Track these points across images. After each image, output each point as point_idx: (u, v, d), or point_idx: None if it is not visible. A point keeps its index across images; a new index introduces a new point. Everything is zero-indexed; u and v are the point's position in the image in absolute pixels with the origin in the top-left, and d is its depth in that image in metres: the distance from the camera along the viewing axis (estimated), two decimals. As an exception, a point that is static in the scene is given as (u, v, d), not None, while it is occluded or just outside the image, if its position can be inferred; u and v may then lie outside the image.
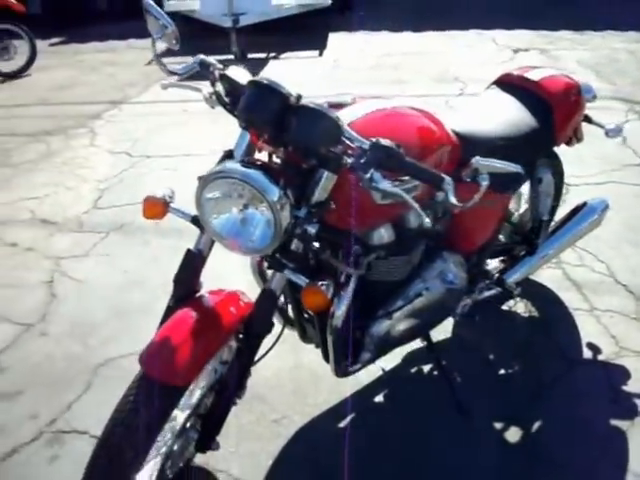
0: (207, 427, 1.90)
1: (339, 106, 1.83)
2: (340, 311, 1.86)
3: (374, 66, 6.99)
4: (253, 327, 1.78)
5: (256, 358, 1.85)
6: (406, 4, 10.17)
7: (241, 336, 1.80)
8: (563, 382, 2.48)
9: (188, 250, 1.84)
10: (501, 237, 2.66)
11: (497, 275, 2.53)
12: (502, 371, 2.56)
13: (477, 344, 2.69)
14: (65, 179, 4.59)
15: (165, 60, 2.05)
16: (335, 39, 8.42)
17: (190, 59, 1.98)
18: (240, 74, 1.79)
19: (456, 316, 2.43)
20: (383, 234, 1.77)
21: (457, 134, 2.09)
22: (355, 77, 6.56)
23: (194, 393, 1.84)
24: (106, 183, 4.47)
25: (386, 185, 1.50)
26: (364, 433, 2.29)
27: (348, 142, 1.57)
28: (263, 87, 1.57)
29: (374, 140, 1.51)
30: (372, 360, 2.13)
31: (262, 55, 7.66)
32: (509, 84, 2.47)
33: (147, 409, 1.61)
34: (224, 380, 1.86)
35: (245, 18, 7.47)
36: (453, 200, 1.50)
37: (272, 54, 7.72)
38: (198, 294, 1.83)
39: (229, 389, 1.86)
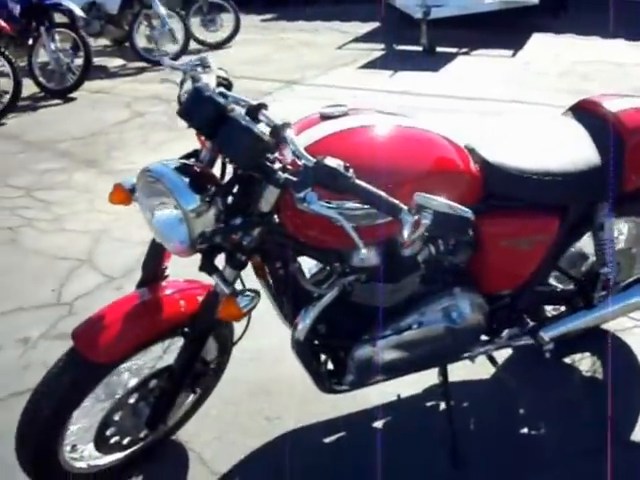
0: (156, 408, 1.94)
1: (329, 117, 1.76)
2: (303, 324, 1.81)
3: (564, 72, 6.46)
4: (194, 324, 1.79)
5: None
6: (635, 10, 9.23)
7: (186, 329, 1.81)
8: (599, 462, 2.09)
9: (153, 239, 1.85)
10: (556, 283, 2.35)
11: (531, 325, 2.21)
12: (525, 430, 2.26)
13: (513, 393, 2.41)
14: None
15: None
16: (537, 40, 7.89)
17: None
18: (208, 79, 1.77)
19: (473, 360, 2.19)
20: (365, 257, 1.67)
21: (486, 162, 1.89)
22: (539, 82, 6.12)
23: (139, 373, 1.90)
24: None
25: (319, 207, 1.44)
26: (344, 457, 2.17)
27: (295, 158, 1.51)
28: (201, 94, 1.56)
29: (319, 158, 1.43)
30: (358, 384, 2.01)
31: (452, 50, 7.42)
32: (584, 111, 2.14)
33: (70, 381, 1.72)
34: (173, 368, 1.89)
35: (438, 10, 7.27)
36: (404, 234, 1.39)
37: (463, 50, 7.45)
38: (159, 282, 1.86)
39: (176, 377, 1.89)
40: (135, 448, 2.05)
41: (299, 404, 2.38)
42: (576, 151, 2.01)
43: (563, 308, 2.38)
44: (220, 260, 1.73)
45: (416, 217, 1.38)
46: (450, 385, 2.20)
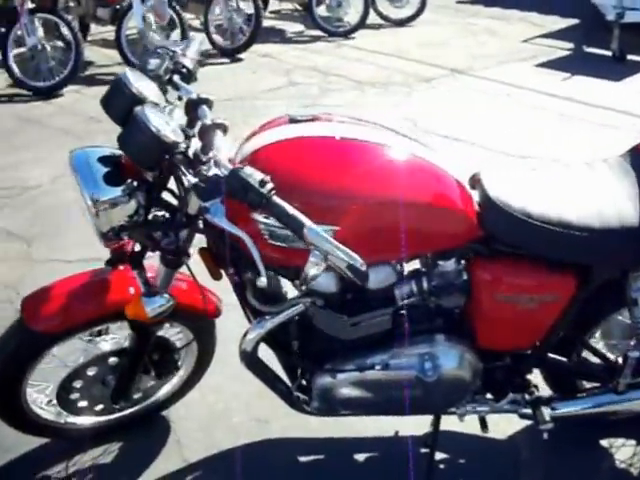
0: (117, 384, 1.98)
1: (296, 121, 1.64)
2: (251, 337, 1.73)
3: None
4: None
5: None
6: None
7: None
8: None
9: None
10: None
11: (536, 395, 1.91)
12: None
13: (525, 465, 2.11)
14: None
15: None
16: None
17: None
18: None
19: (461, 418, 1.93)
20: (263, 284, 1.53)
21: (487, 198, 1.67)
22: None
23: (99, 347, 1.96)
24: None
25: (220, 220, 1.36)
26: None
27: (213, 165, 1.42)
28: (119, 83, 1.49)
29: (236, 168, 1.33)
30: (323, 411, 1.89)
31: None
32: (640, 156, 1.78)
33: (15, 345, 1.81)
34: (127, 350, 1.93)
35: (634, 14, 6.46)
36: (307, 265, 1.32)
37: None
38: (125, 264, 1.83)
39: (130, 359, 1.92)
40: (118, 416, 2.13)
41: (291, 416, 2.23)
42: (614, 203, 1.69)
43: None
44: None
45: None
46: (444, 435, 2.01)
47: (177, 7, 6.07)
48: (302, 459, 2.15)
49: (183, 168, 1.45)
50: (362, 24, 7.43)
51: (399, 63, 6.43)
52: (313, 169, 1.55)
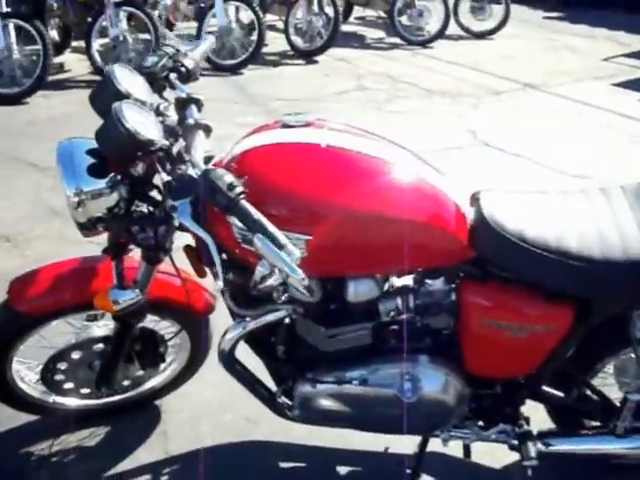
0: (100, 370, 2.00)
1: (289, 126, 1.64)
2: (229, 337, 1.72)
3: None
4: None
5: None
6: None
7: None
8: None
9: None
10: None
11: (525, 429, 1.80)
12: None
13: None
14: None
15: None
16: None
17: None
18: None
19: (444, 443, 1.85)
20: (219, 288, 1.57)
21: (481, 217, 1.61)
22: None
23: (88, 332, 2.01)
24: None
25: (185, 220, 1.41)
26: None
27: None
28: (107, 78, 1.52)
29: (208, 170, 1.35)
30: (304, 420, 1.85)
31: None
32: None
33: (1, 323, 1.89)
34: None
35: None
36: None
37: None
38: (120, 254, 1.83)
39: (111, 348, 1.96)
40: (107, 401, 2.17)
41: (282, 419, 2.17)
42: (621, 233, 1.58)
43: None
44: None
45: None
46: (432, 456, 1.95)
47: (257, 8, 6.25)
48: (283, 465, 2.12)
49: (159, 166, 1.47)
50: (441, 34, 7.45)
51: (472, 75, 6.40)
52: (289, 175, 1.53)
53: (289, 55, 6.92)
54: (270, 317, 1.66)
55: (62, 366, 2.00)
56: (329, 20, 6.72)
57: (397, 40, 7.59)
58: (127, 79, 1.54)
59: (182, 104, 1.60)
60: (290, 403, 1.80)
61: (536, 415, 1.90)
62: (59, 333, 2.00)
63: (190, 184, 1.38)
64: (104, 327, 2.01)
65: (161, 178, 1.46)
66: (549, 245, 1.55)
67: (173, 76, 1.70)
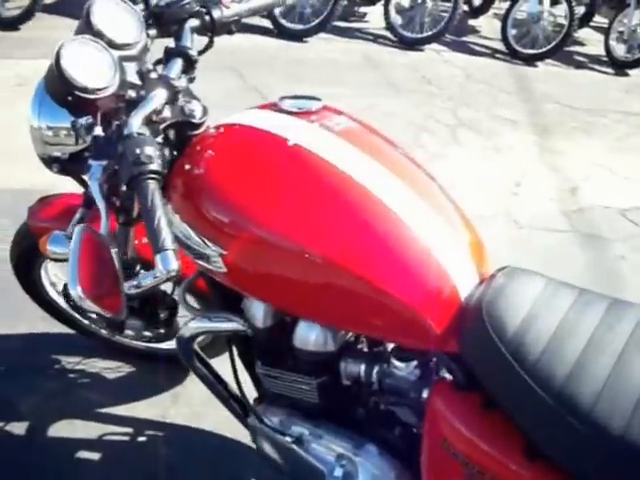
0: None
1: (281, 110, 1.36)
2: (187, 327, 1.51)
3: None
4: None
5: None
6: None
7: None
8: None
9: None
10: None
11: None
12: None
13: None
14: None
15: None
16: None
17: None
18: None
19: None
20: (252, 309, 1.35)
21: (477, 309, 1.15)
22: None
23: None
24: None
25: (92, 183, 1.18)
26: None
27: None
28: (86, 13, 1.32)
29: (130, 134, 1.14)
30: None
31: None
32: None
33: (18, 241, 1.92)
34: None
35: None
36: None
37: None
38: None
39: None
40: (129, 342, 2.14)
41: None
42: None
43: None
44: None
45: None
46: None
47: (573, 3, 5.69)
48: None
49: (99, 116, 1.25)
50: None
51: None
52: (233, 167, 1.29)
53: (598, 60, 6.15)
54: (222, 326, 1.48)
55: None
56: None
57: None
58: (107, 14, 1.33)
59: (169, 54, 1.36)
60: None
61: None
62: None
63: (102, 147, 1.19)
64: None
65: (94, 132, 1.23)
66: (550, 385, 1.03)
67: (193, 23, 1.42)
